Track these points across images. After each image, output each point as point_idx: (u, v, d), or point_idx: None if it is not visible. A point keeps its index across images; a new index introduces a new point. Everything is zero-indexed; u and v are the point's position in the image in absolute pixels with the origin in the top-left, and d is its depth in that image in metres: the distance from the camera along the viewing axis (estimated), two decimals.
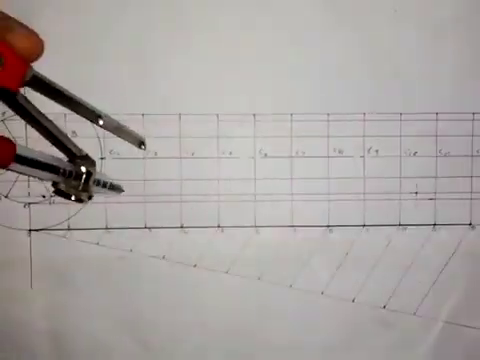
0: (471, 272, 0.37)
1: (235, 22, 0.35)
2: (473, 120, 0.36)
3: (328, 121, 0.36)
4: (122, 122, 0.34)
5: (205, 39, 0.35)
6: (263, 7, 0.35)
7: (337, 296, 0.37)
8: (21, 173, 0.29)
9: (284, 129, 0.36)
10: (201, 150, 0.36)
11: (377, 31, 0.36)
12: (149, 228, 0.36)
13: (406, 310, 0.37)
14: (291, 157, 0.36)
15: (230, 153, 0.36)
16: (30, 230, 0.36)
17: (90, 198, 0.32)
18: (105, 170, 0.35)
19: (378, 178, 0.36)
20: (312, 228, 0.37)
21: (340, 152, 0.36)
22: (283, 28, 0.36)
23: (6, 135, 0.34)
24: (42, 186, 0.35)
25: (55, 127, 0.30)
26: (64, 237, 0.36)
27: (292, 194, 0.36)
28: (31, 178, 0.35)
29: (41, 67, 0.28)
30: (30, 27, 0.27)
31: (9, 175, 0.34)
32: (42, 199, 0.35)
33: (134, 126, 0.35)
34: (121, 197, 0.35)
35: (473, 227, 0.37)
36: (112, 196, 0.35)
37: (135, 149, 0.35)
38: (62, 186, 0.31)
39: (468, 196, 0.37)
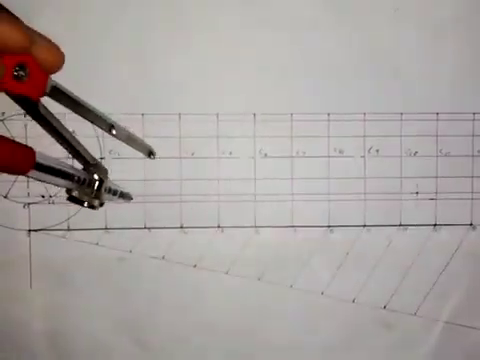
0: (472, 272, 0.37)
1: (235, 22, 0.35)
2: (473, 120, 0.36)
3: (328, 121, 0.36)
4: (122, 122, 0.33)
5: (205, 39, 0.35)
6: (263, 7, 0.35)
7: (337, 296, 0.37)
8: (37, 179, 0.29)
9: (284, 129, 0.36)
10: (201, 150, 0.36)
11: (377, 31, 0.36)
12: (149, 228, 0.36)
13: (407, 310, 0.37)
14: (291, 157, 0.36)
15: (230, 153, 0.36)
16: (30, 230, 0.36)
17: (102, 205, 0.32)
18: None
19: (379, 178, 0.36)
20: (312, 228, 0.36)
21: (340, 152, 0.36)
22: (283, 28, 0.36)
23: (6, 135, 0.34)
24: (41, 186, 0.35)
25: (71, 135, 0.31)
26: (64, 237, 0.36)
27: (292, 194, 0.36)
28: (30, 178, 0.35)
29: None
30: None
31: (8, 175, 0.34)
32: (41, 199, 0.35)
33: (134, 126, 0.35)
34: None
35: (474, 227, 0.37)
36: (122, 203, 0.35)
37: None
38: (75, 193, 0.31)
39: (469, 196, 0.37)
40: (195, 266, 0.36)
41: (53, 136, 0.31)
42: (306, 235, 0.36)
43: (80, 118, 0.32)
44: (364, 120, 0.36)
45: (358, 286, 0.37)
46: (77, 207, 0.35)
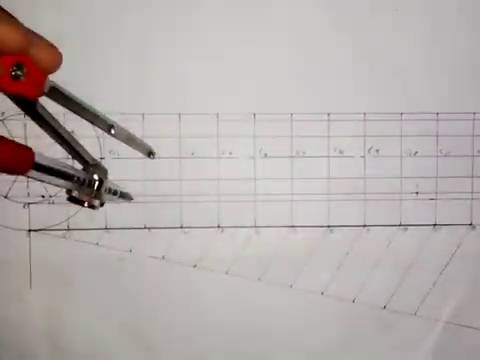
0: (472, 272, 0.37)
1: (235, 22, 0.35)
2: (473, 120, 0.36)
3: (328, 121, 0.36)
4: (122, 122, 0.33)
5: (205, 39, 0.35)
6: (263, 7, 0.35)
7: (337, 296, 0.37)
8: (36, 179, 0.29)
9: (284, 129, 0.36)
10: (201, 150, 0.36)
11: (377, 31, 0.36)
12: (149, 228, 0.36)
13: (406, 310, 0.37)
14: (291, 157, 0.36)
15: (230, 153, 0.36)
16: (29, 230, 0.36)
17: (102, 205, 0.32)
18: None
19: (378, 178, 0.36)
20: (312, 228, 0.36)
21: (340, 152, 0.36)
22: (283, 28, 0.36)
23: (6, 135, 0.34)
24: (41, 186, 0.35)
25: (70, 135, 0.31)
26: (64, 237, 0.36)
27: (292, 194, 0.36)
28: (30, 178, 0.35)
29: None
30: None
31: (8, 175, 0.34)
32: (41, 199, 0.35)
33: (134, 126, 0.35)
34: None
35: (474, 227, 0.37)
36: (122, 203, 0.35)
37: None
38: (75, 193, 0.31)
39: (469, 196, 0.37)
40: (195, 266, 0.36)
41: (52, 136, 0.31)
42: (306, 235, 0.36)
43: (79, 118, 0.32)
44: (364, 120, 0.36)
45: (358, 286, 0.37)
46: (77, 207, 0.35)
